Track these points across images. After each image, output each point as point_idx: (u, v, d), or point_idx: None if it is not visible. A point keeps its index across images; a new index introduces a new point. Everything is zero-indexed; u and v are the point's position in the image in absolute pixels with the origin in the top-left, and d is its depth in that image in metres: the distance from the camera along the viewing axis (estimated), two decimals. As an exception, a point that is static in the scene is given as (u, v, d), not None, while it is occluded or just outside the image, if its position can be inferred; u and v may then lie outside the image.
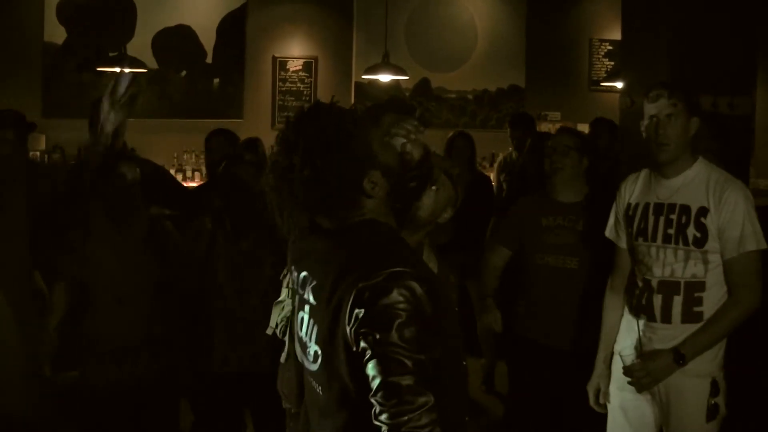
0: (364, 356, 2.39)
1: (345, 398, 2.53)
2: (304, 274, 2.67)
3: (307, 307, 2.64)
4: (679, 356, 3.97)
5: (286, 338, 3.24)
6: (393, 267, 2.43)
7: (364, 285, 2.40)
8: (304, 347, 2.69)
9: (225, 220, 5.13)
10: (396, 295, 2.38)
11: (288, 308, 3.26)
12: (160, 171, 5.61)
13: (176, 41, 11.59)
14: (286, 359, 3.30)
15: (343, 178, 2.54)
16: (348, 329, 2.42)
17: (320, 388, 2.62)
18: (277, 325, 3.28)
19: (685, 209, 4.03)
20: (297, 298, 2.75)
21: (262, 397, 4.95)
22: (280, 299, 3.34)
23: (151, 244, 5.12)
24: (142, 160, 5.41)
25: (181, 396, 5.39)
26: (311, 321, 2.62)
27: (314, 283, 2.60)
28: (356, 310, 2.40)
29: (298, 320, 2.72)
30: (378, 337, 2.36)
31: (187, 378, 5.25)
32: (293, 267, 2.78)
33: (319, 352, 2.57)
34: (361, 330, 2.39)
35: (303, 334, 2.68)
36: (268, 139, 8.43)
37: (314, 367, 2.61)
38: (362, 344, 2.39)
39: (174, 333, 5.12)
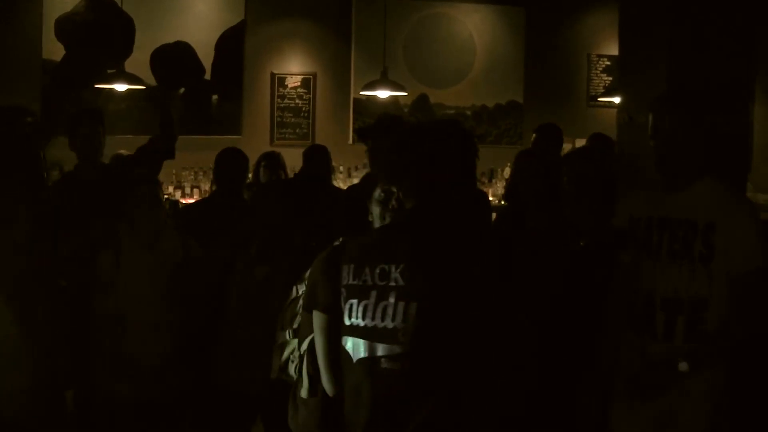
0: None
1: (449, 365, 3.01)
2: (383, 266, 3.08)
3: (393, 292, 3.04)
4: (678, 370, 3.93)
5: (303, 374, 3.60)
6: None
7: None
8: (382, 334, 3.04)
9: (251, 245, 5.14)
10: None
11: (293, 346, 3.52)
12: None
13: (175, 58, 11.59)
14: (310, 395, 3.60)
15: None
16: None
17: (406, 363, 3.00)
18: (285, 367, 3.73)
19: (692, 225, 3.95)
20: (367, 291, 3.11)
21: (274, 415, 4.98)
22: (280, 342, 3.58)
23: (185, 268, 5.15)
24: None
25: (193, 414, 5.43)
26: (399, 302, 3.03)
27: (402, 266, 3.04)
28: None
29: (370, 311, 3.08)
30: None
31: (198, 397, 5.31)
32: (361, 266, 3.16)
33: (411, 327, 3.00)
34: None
35: (383, 321, 3.05)
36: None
37: (398, 348, 3.00)
38: None
39: (191, 351, 5.19)
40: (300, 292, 3.85)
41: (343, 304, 3.16)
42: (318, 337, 3.59)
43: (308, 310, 3.65)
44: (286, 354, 3.80)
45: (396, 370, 2.99)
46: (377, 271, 3.06)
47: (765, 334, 4.12)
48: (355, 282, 3.12)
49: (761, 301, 3.96)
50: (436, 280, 2.99)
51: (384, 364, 3.00)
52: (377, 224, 3.56)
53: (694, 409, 3.98)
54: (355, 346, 3.10)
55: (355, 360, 3.11)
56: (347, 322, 3.13)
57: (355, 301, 3.11)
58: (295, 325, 3.82)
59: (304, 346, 3.67)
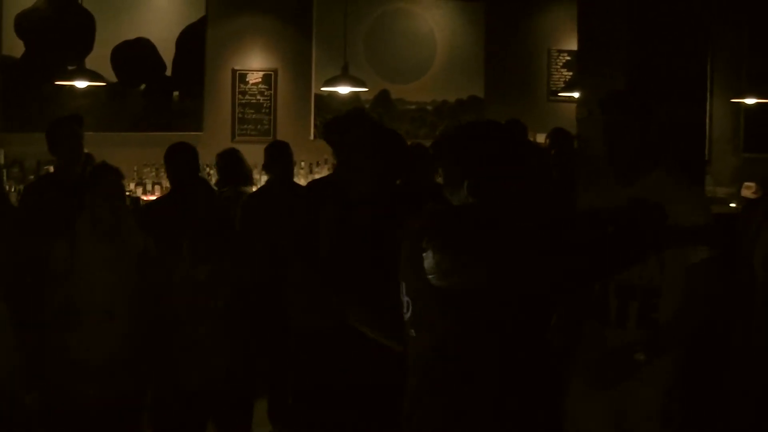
0: None
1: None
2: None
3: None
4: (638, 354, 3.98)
5: None
6: None
7: None
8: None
9: (182, 246, 5.12)
10: None
11: None
12: None
13: (135, 54, 11.55)
14: None
15: None
16: None
17: (413, 330, 3.28)
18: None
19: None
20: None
21: (221, 415, 4.98)
22: None
23: (146, 261, 5.13)
24: None
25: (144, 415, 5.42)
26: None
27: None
28: None
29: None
30: None
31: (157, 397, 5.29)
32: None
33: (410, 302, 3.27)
34: None
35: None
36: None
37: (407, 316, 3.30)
38: None
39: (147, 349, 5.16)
40: None
41: None
42: None
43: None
44: None
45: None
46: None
47: (715, 322, 4.19)
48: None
49: (711, 290, 4.05)
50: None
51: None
52: None
53: (647, 396, 4.05)
54: None
55: None
56: None
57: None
58: None
59: None
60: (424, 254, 3.16)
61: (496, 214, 3.22)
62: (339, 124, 5.60)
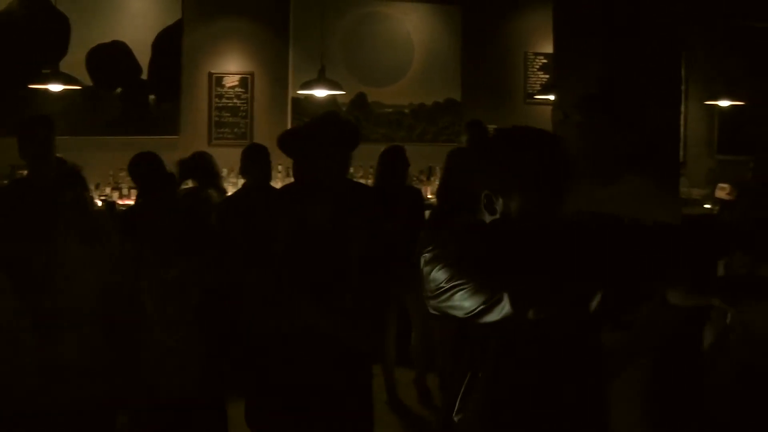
0: None
1: None
2: None
3: None
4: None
5: None
6: None
7: None
8: None
9: (146, 246, 5.10)
10: None
11: None
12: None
13: (111, 58, 11.51)
14: None
15: None
16: None
17: None
18: None
19: (618, 219, 4.05)
20: None
21: (195, 425, 4.95)
22: None
23: (126, 264, 5.12)
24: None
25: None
26: None
27: None
28: None
29: None
30: None
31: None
32: None
33: None
34: None
35: None
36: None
37: None
38: None
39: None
40: None
41: None
42: None
43: None
44: None
45: None
46: None
47: (690, 324, 4.22)
48: None
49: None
50: None
51: None
52: None
53: (627, 397, 4.06)
54: None
55: None
56: None
57: None
58: None
59: None
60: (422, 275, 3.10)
61: (510, 229, 3.07)
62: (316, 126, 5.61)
